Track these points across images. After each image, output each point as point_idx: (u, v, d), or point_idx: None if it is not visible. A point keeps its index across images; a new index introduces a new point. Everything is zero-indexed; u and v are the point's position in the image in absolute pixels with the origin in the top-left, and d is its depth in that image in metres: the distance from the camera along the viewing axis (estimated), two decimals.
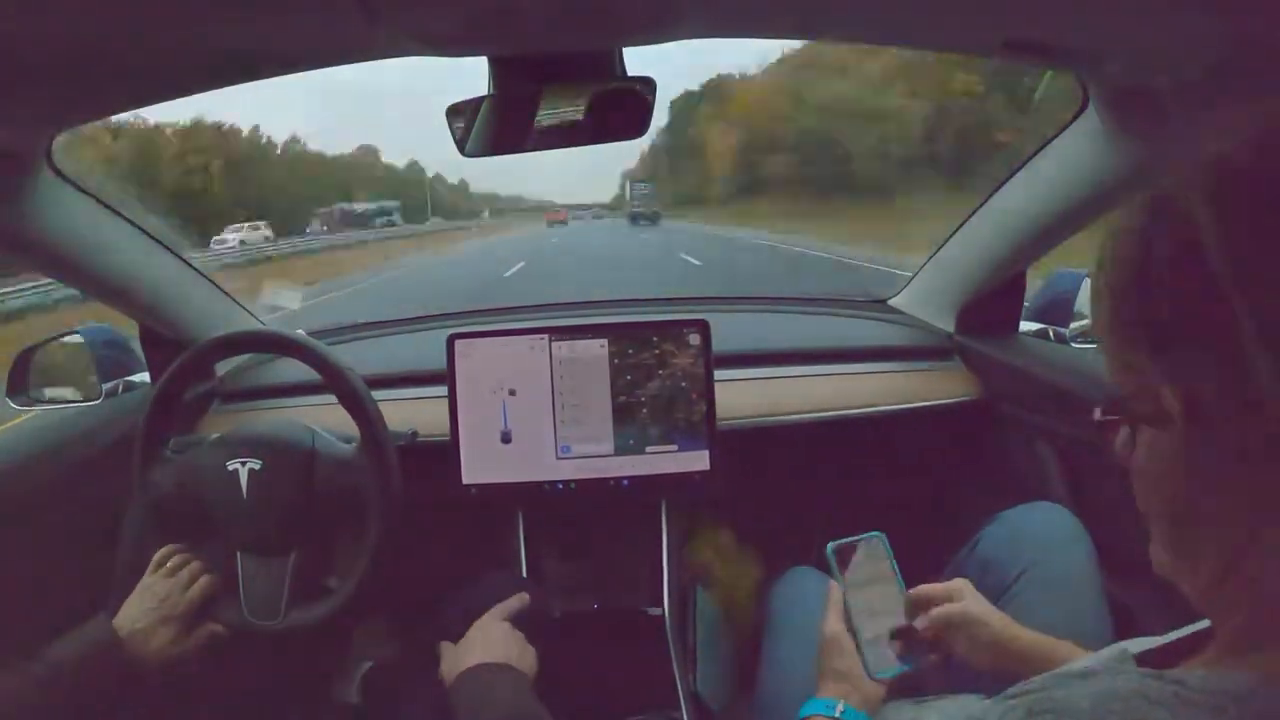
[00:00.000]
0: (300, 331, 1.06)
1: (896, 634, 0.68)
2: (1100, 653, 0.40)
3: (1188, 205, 0.30)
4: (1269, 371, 0.27)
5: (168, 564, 0.81)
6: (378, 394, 0.87)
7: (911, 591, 0.71)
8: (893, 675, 0.67)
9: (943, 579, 0.72)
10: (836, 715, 0.64)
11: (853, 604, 0.70)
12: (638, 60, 0.72)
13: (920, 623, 0.68)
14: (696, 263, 11.01)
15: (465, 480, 1.05)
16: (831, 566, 0.71)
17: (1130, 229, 0.33)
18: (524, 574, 1.08)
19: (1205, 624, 0.37)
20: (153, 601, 0.78)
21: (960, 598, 0.68)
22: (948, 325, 1.25)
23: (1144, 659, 0.37)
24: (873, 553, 0.72)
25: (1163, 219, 0.31)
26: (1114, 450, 0.37)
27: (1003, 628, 0.66)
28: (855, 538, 0.72)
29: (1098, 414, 0.37)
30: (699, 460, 1.05)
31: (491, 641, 0.77)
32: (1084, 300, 1.15)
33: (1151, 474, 0.34)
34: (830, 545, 0.71)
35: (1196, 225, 0.29)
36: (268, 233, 20.45)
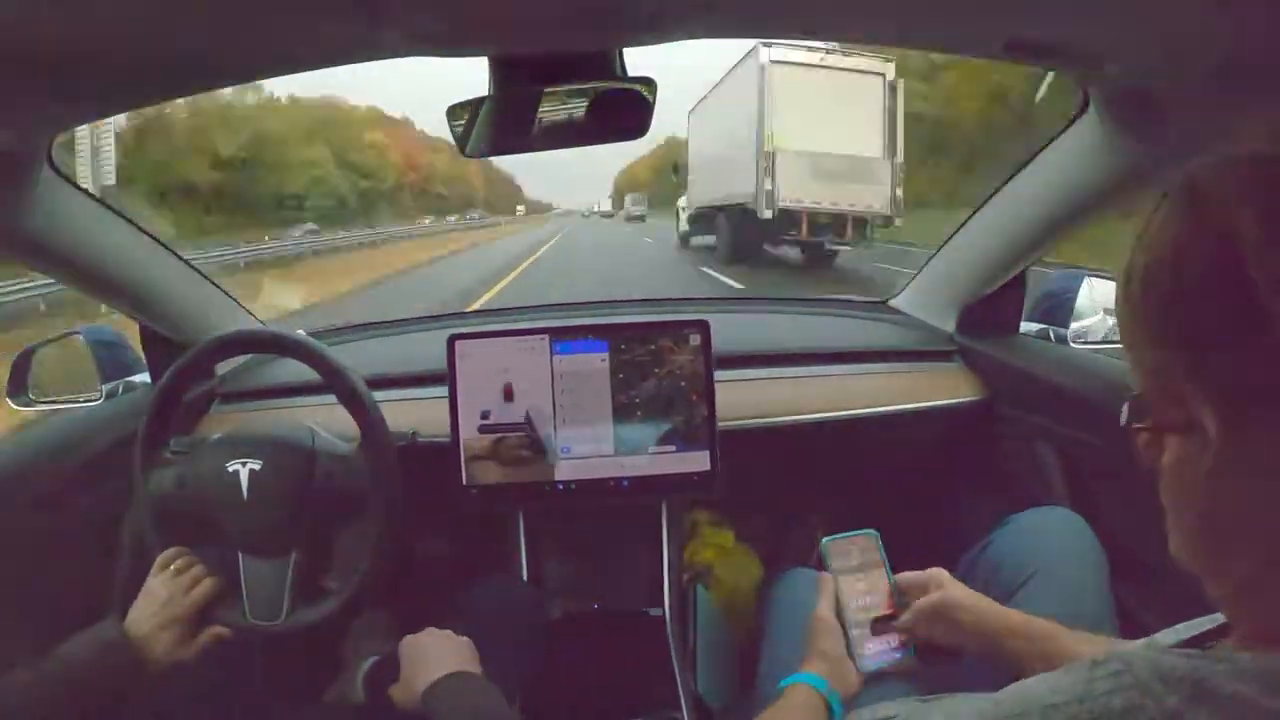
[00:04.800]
0: (300, 332, 1.06)
1: (879, 625, 0.72)
2: (1128, 645, 0.41)
3: (1225, 209, 0.30)
4: None
5: (171, 566, 0.81)
6: (378, 394, 0.87)
7: (894, 577, 0.74)
8: (879, 668, 0.70)
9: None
10: (824, 692, 0.66)
11: (845, 598, 0.73)
12: (638, 60, 0.73)
13: (904, 620, 0.71)
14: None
15: (465, 481, 1.05)
16: (826, 560, 0.75)
17: (1163, 230, 0.32)
18: (524, 574, 1.08)
19: (1220, 618, 0.38)
20: (155, 605, 0.78)
21: (939, 586, 0.71)
22: (948, 326, 1.25)
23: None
24: (865, 549, 0.76)
25: (1198, 220, 0.31)
26: (1140, 455, 0.36)
27: (983, 610, 0.69)
28: (849, 534, 0.76)
29: (1123, 418, 0.36)
30: (699, 461, 1.05)
31: (438, 653, 0.75)
32: (1084, 300, 1.15)
33: (1179, 481, 0.34)
34: (824, 540, 0.75)
35: (1236, 231, 0.29)
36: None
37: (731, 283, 7.98)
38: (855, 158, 7.71)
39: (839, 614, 0.73)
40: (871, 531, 0.76)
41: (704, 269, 9.41)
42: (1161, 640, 0.40)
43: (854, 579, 0.74)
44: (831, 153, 7.69)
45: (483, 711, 0.68)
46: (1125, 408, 0.36)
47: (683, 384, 1.05)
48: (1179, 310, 0.31)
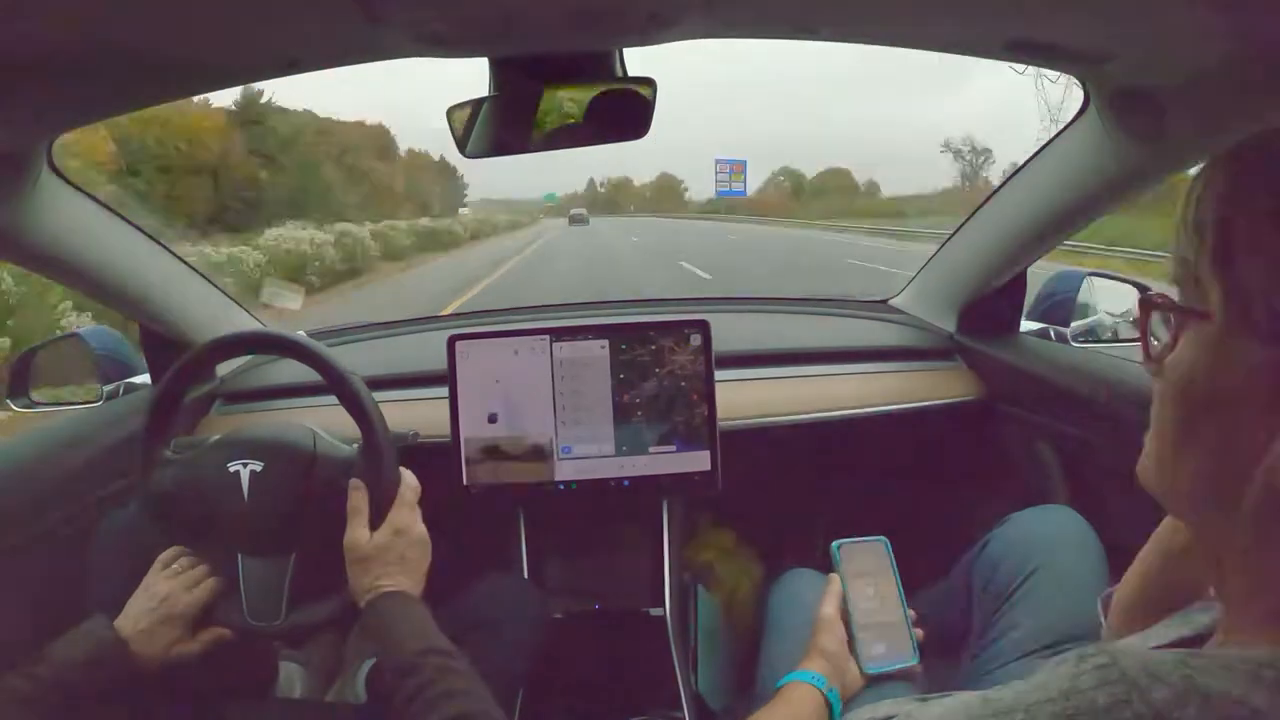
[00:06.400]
0: (301, 332, 1.06)
1: (885, 629, 0.72)
2: (1117, 642, 0.41)
3: (1263, 157, 0.34)
4: None
5: (173, 565, 0.81)
6: (379, 395, 0.87)
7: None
8: (883, 671, 0.71)
9: (950, 579, 0.74)
10: (823, 690, 0.67)
11: (852, 600, 0.74)
12: (638, 60, 0.72)
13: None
14: None
15: (466, 481, 1.05)
16: (835, 562, 0.75)
17: (1236, 154, 0.35)
18: (525, 574, 1.08)
19: (1208, 617, 0.38)
20: (154, 601, 0.78)
21: None
22: (949, 325, 1.25)
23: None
24: (875, 555, 0.77)
25: (1259, 153, 0.35)
26: (1147, 353, 0.38)
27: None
28: (861, 539, 0.77)
29: (1142, 296, 0.39)
30: (700, 460, 1.05)
31: (386, 555, 0.74)
32: (1084, 300, 1.15)
33: (1176, 375, 0.35)
34: (835, 543, 0.76)
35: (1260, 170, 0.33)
36: None
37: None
38: None
39: (844, 615, 0.73)
40: (881, 538, 0.77)
41: None
42: (1149, 637, 0.41)
43: (862, 583, 0.75)
44: None
45: (420, 635, 0.66)
46: (1136, 300, 0.38)
47: (683, 384, 1.05)
48: (1224, 212, 0.34)
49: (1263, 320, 0.31)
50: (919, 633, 0.74)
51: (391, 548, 0.75)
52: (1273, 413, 0.31)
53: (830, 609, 0.73)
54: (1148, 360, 0.38)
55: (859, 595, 0.74)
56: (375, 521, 0.79)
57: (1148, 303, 0.38)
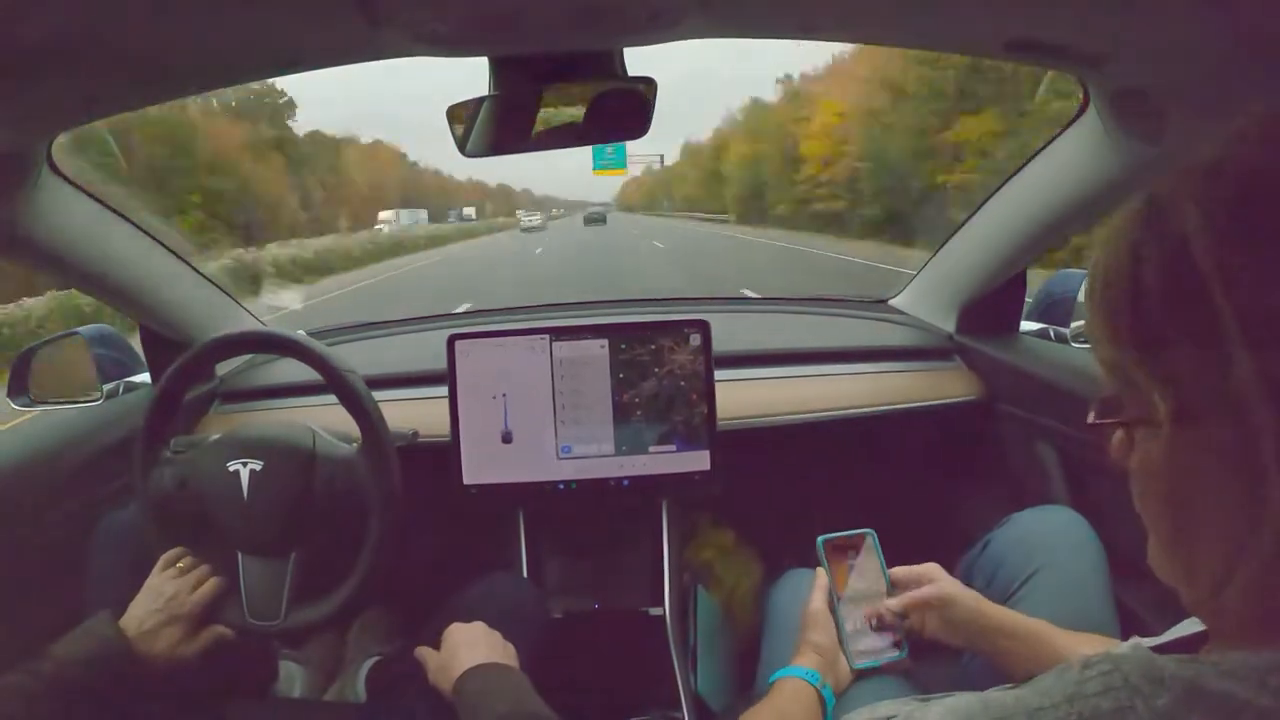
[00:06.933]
0: (300, 332, 1.06)
1: (873, 623, 0.72)
2: (1118, 647, 0.41)
3: (1177, 208, 0.31)
4: (1250, 373, 0.28)
5: (177, 565, 0.81)
6: (378, 394, 0.87)
7: (889, 571, 0.75)
8: (871, 666, 0.71)
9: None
10: (817, 685, 0.67)
11: (838, 595, 0.74)
12: (638, 60, 0.73)
13: (893, 603, 0.72)
14: None
15: (466, 480, 1.05)
16: (821, 558, 0.75)
17: (1122, 234, 0.33)
18: (524, 574, 1.08)
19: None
20: (159, 601, 0.77)
21: (933, 580, 0.72)
22: (948, 325, 1.25)
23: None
24: (861, 548, 0.76)
25: (1153, 223, 0.32)
26: (1111, 453, 0.37)
27: (976, 608, 0.69)
28: (846, 533, 0.76)
29: (1091, 416, 0.37)
30: (699, 460, 1.05)
31: (476, 642, 0.76)
32: (1084, 300, 1.15)
33: (1146, 476, 0.34)
34: (820, 539, 0.76)
35: (1184, 228, 0.30)
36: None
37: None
38: None
39: (832, 610, 0.73)
40: (868, 531, 0.76)
41: None
42: (1150, 642, 0.40)
43: (849, 577, 0.75)
44: None
45: (513, 701, 0.69)
46: (1094, 406, 0.37)
47: (683, 384, 1.05)
48: (1134, 309, 0.32)
49: (1204, 406, 0.30)
50: (907, 625, 0.73)
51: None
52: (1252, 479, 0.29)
53: (818, 603, 0.73)
54: (1119, 462, 0.36)
55: (846, 593, 0.74)
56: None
57: (1100, 426, 0.36)
